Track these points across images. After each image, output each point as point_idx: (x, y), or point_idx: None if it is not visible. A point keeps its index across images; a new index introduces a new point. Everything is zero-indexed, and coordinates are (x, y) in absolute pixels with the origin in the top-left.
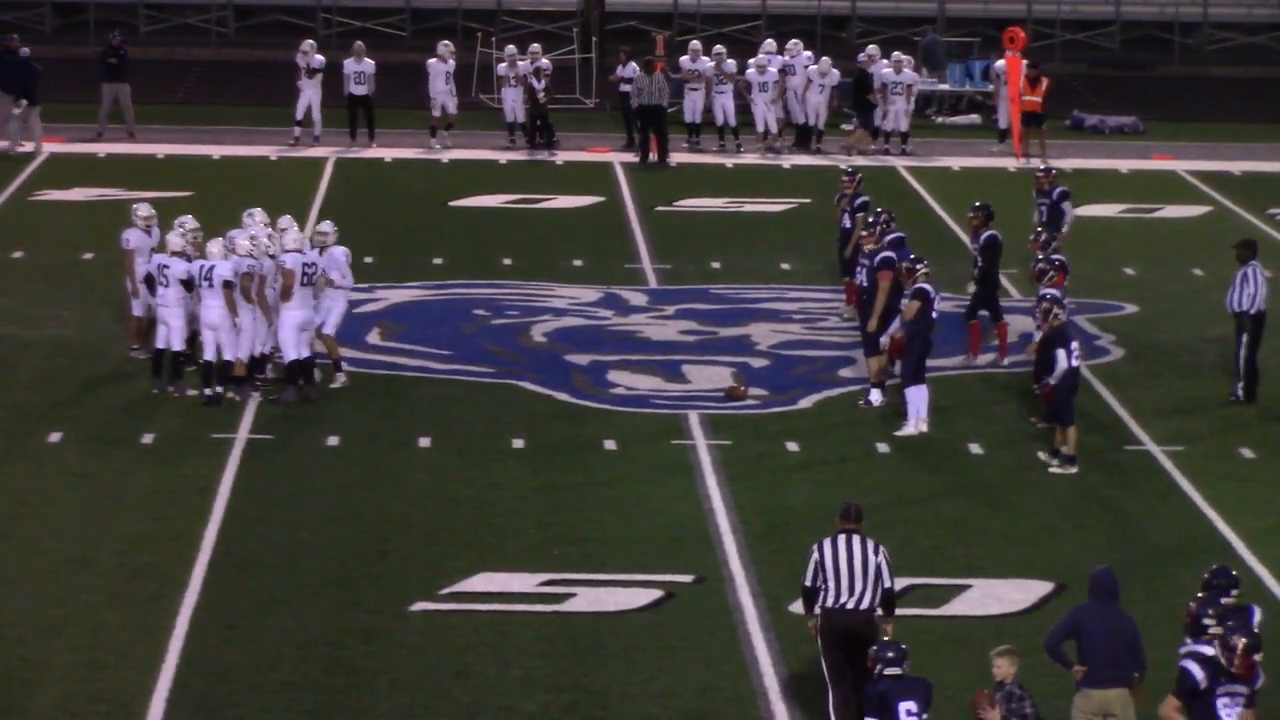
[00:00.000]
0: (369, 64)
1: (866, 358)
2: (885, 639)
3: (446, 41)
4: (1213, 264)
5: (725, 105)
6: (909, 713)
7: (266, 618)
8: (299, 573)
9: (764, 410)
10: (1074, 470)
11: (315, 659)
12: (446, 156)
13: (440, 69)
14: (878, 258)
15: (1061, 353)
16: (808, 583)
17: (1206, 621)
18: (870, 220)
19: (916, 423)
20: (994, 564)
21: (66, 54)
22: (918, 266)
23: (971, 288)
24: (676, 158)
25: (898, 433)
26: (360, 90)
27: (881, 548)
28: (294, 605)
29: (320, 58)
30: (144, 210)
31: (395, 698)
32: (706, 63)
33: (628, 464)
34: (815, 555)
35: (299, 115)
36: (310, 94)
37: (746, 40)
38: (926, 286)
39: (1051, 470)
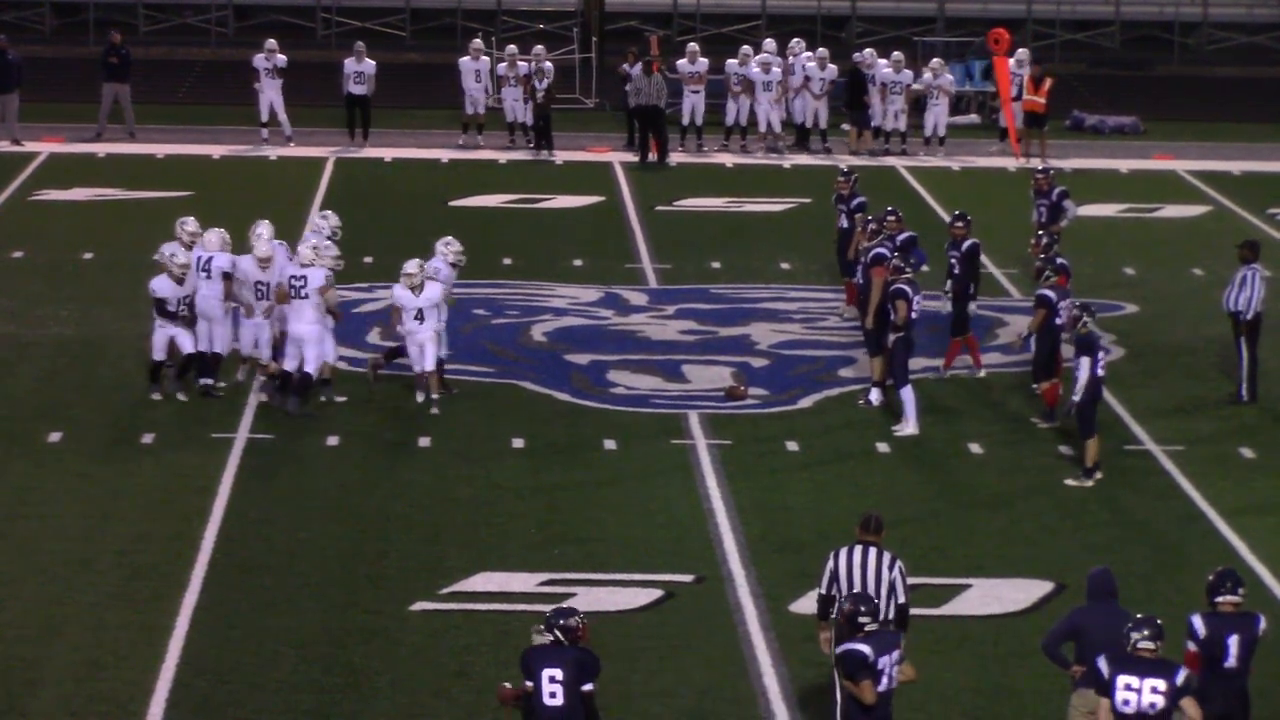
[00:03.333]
0: (370, 64)
1: (870, 357)
2: (561, 605)
3: (478, 40)
4: (1213, 264)
5: (743, 106)
6: (551, 679)
7: (266, 618)
8: (299, 573)
9: (764, 410)
10: (1090, 483)
11: (315, 659)
12: (446, 156)
13: (471, 67)
14: (870, 254)
15: (1086, 360)
16: (822, 590)
17: (862, 620)
18: (866, 219)
19: (914, 423)
20: (994, 564)
21: (66, 54)
22: (904, 269)
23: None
24: (676, 158)
25: (896, 431)
26: (360, 90)
27: (898, 562)
28: (294, 605)
29: (283, 57)
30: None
31: (395, 698)
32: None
33: (628, 464)
34: (830, 564)
35: (264, 117)
36: (272, 94)
37: (746, 40)
38: (905, 288)
39: (1067, 483)
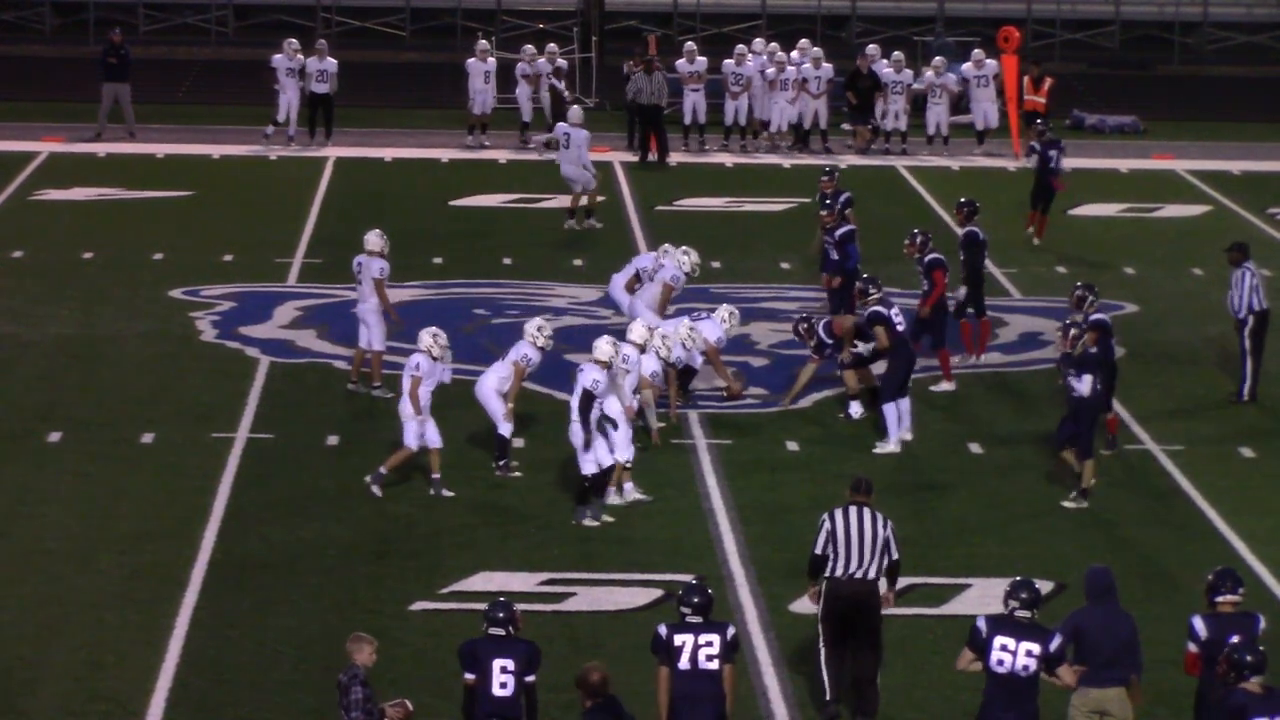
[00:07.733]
0: (331, 63)
1: (841, 371)
2: (499, 598)
3: (484, 41)
4: (1213, 264)
5: (741, 106)
6: (503, 669)
7: (266, 618)
8: (299, 573)
9: (764, 410)
10: (1085, 505)
11: (315, 659)
12: (446, 156)
13: (479, 68)
14: (868, 314)
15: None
16: (818, 550)
17: (684, 610)
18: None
19: (897, 439)
20: (994, 564)
21: (66, 54)
22: (870, 290)
23: (962, 289)
24: (676, 157)
25: (876, 451)
26: (322, 89)
27: (889, 521)
28: (294, 605)
29: (302, 57)
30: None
31: (395, 697)
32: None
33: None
34: (827, 525)
35: (281, 116)
36: (293, 94)
37: (747, 40)
38: (880, 309)
39: (1063, 504)
